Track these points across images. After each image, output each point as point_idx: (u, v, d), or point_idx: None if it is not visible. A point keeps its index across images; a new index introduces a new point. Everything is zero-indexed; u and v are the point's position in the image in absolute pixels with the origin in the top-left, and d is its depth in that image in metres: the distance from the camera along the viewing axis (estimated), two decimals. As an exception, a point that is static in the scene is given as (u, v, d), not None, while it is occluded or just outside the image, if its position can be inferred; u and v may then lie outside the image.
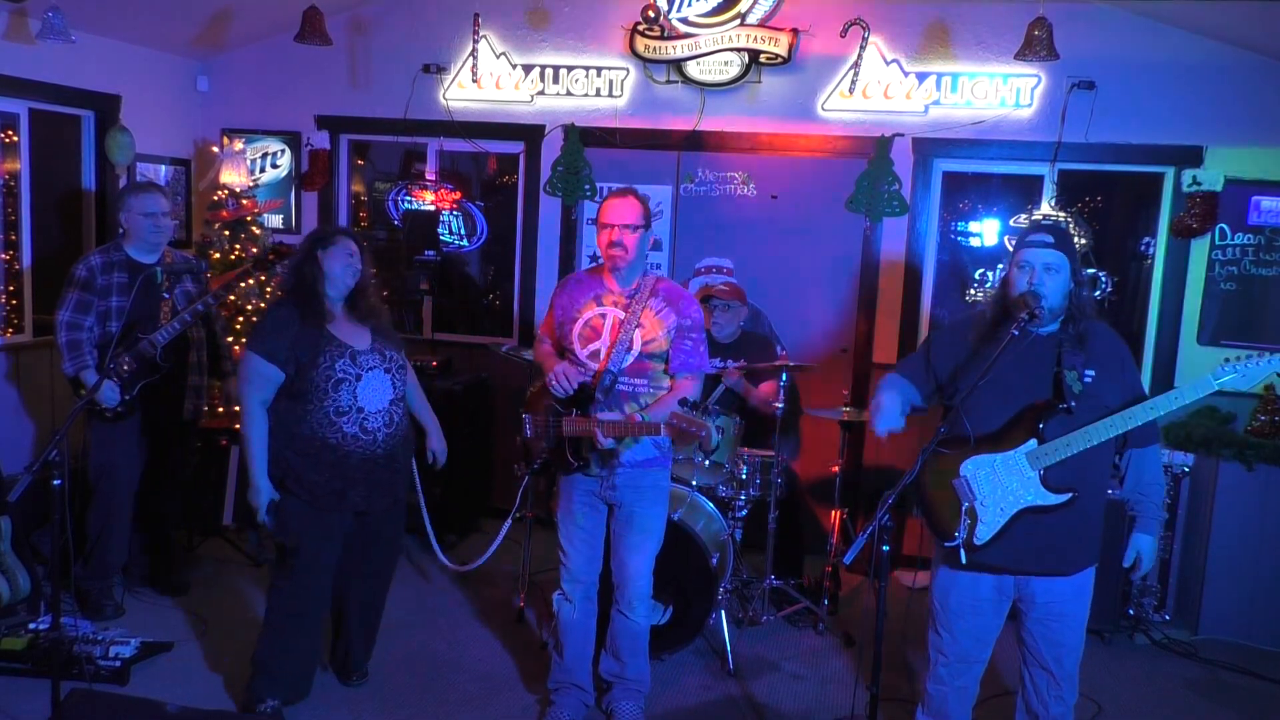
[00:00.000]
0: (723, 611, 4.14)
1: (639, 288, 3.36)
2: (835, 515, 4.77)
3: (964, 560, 2.84)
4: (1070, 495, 2.74)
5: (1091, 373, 2.78)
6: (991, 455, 2.80)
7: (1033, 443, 2.75)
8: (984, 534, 2.80)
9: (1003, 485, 2.79)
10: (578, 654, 3.57)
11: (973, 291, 5.26)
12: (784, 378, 4.41)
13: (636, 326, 3.31)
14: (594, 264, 3.55)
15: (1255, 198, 4.96)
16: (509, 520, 4.43)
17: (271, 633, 3.46)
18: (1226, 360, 2.63)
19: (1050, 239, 2.81)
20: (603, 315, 3.35)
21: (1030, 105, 5.13)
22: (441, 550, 4.20)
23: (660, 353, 3.35)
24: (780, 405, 4.37)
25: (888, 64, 5.23)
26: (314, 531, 3.38)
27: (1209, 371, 2.66)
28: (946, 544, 2.86)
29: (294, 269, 3.44)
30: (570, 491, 3.46)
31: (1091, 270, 4.83)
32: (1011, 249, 5.04)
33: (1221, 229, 5.01)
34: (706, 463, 4.27)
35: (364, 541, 3.58)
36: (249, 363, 3.32)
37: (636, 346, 3.31)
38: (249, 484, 3.36)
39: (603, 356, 3.32)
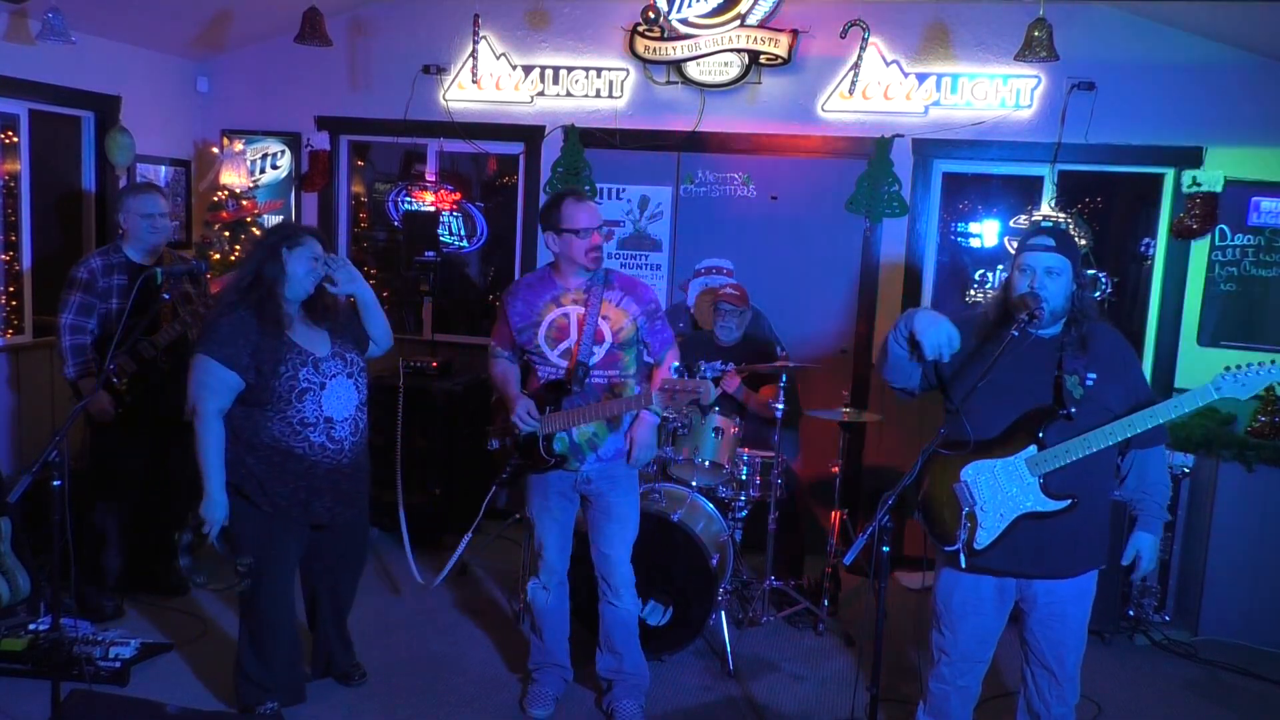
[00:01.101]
0: (723, 612, 4.14)
1: (592, 281, 3.40)
2: (835, 516, 4.77)
3: (964, 565, 2.85)
4: (1070, 502, 2.74)
5: (1094, 376, 2.77)
6: (992, 460, 2.80)
7: (1033, 448, 2.75)
8: (984, 539, 2.81)
9: (1003, 490, 2.79)
10: (556, 636, 3.67)
11: (973, 293, 5.26)
12: (784, 379, 4.42)
13: (601, 317, 3.36)
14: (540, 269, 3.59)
15: (1255, 198, 4.96)
16: (468, 535, 4.43)
17: (248, 644, 3.42)
18: (1227, 368, 2.62)
19: (1052, 242, 2.81)
20: (565, 314, 3.39)
21: (1030, 106, 5.14)
22: (430, 554, 4.18)
23: (629, 340, 3.41)
24: (780, 406, 4.38)
25: (888, 65, 5.23)
26: (274, 542, 3.28)
27: (1209, 376, 2.65)
28: (946, 548, 2.86)
29: (254, 265, 3.24)
30: (545, 489, 3.50)
31: (1091, 271, 4.83)
32: (1013, 251, 5.05)
33: (1221, 230, 5.01)
34: (706, 463, 4.27)
35: (333, 548, 3.55)
36: (206, 368, 3.12)
37: (608, 338, 3.37)
38: (204, 496, 3.15)
39: (573, 352, 3.37)
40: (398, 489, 4.86)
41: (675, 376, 3.14)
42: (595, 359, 3.37)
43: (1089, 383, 2.76)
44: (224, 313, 3.21)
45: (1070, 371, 2.76)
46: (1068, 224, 4.97)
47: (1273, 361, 2.56)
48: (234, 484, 3.20)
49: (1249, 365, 2.59)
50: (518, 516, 4.82)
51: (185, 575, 3.29)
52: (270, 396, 3.16)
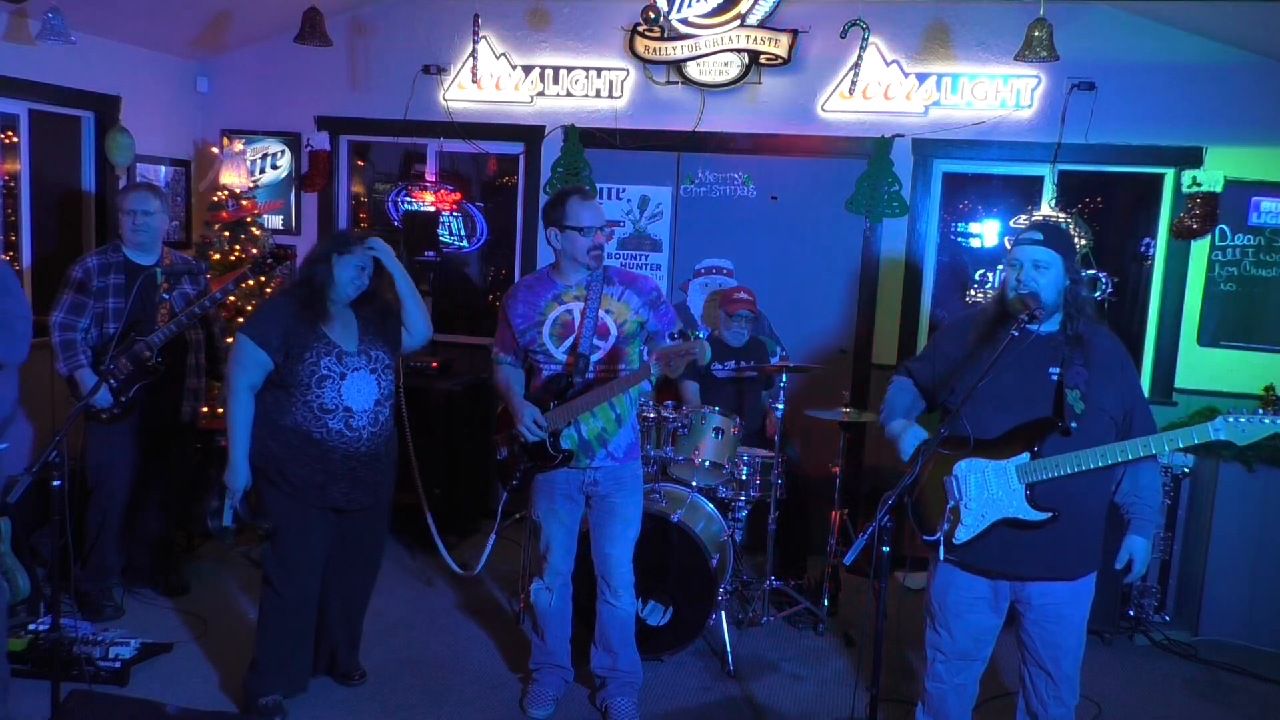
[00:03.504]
0: (723, 612, 4.14)
1: (592, 278, 3.40)
2: (835, 516, 4.77)
3: (941, 556, 2.86)
4: (1050, 515, 2.74)
5: (1083, 374, 2.76)
6: (985, 460, 2.80)
7: (1025, 456, 2.75)
8: (962, 535, 2.82)
9: (989, 491, 2.79)
10: (558, 637, 3.68)
11: (973, 292, 5.26)
12: (784, 378, 4.43)
13: (604, 311, 3.37)
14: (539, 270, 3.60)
15: (1255, 198, 4.96)
16: (494, 533, 4.48)
17: (264, 630, 3.48)
18: (1229, 413, 2.61)
19: (1039, 236, 2.81)
20: (569, 311, 3.39)
21: (1030, 106, 5.14)
22: (431, 553, 4.22)
23: (632, 334, 3.42)
24: (780, 406, 4.39)
25: (888, 65, 5.23)
26: (296, 523, 3.40)
27: (1209, 376, 2.65)
28: (926, 538, 2.88)
29: (307, 264, 3.45)
30: (552, 491, 3.50)
31: (1091, 271, 4.83)
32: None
33: (1222, 230, 5.01)
34: (707, 464, 4.27)
35: (348, 540, 3.59)
36: (240, 345, 3.34)
37: (613, 332, 3.38)
38: (228, 465, 3.36)
39: (575, 345, 3.38)
40: (417, 486, 4.88)
41: (670, 343, 3.18)
42: (600, 354, 3.38)
43: (1082, 385, 2.75)
44: (271, 299, 3.51)
45: (1071, 385, 2.75)
46: (1067, 224, 4.97)
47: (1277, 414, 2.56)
48: (259, 466, 3.38)
49: (1255, 414, 2.58)
50: (518, 516, 4.82)
51: (216, 536, 3.49)
52: (294, 380, 3.33)
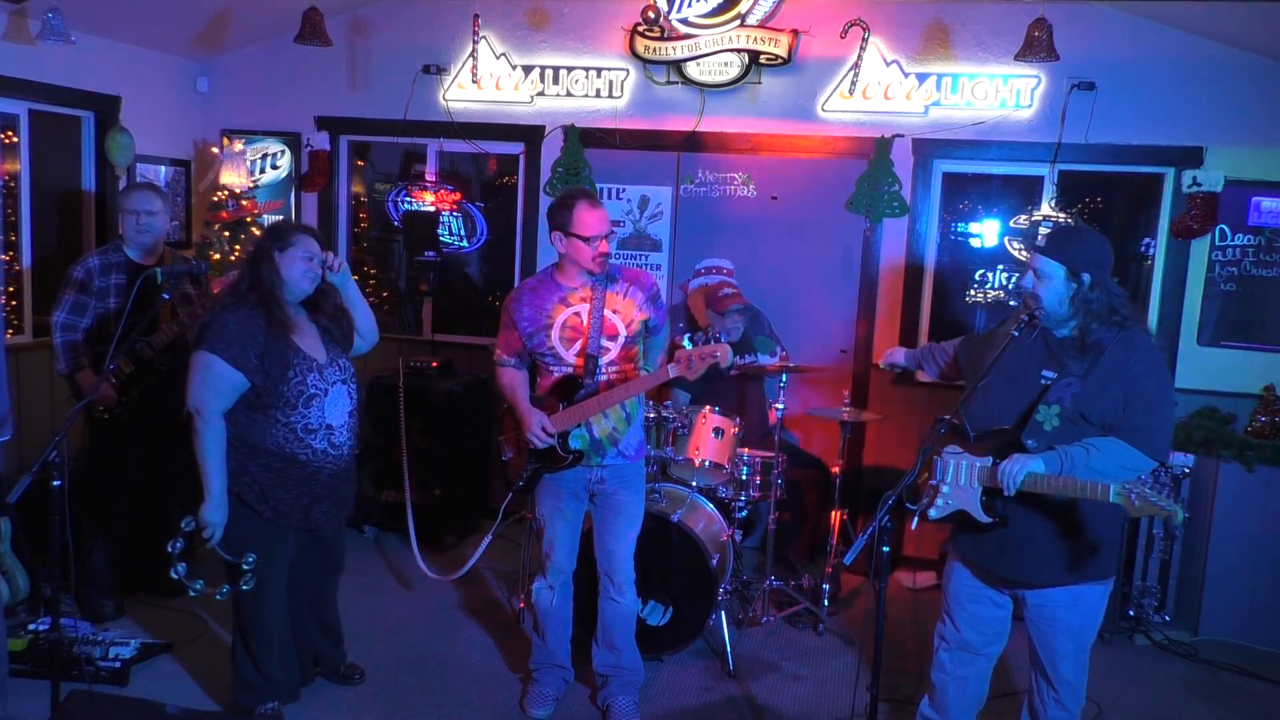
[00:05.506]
0: (723, 612, 4.14)
1: (595, 278, 3.40)
2: (835, 516, 4.77)
3: (914, 527, 2.92)
4: (994, 521, 2.75)
5: (1075, 387, 2.72)
6: (964, 453, 2.83)
7: (989, 460, 2.76)
8: (933, 514, 2.87)
9: (959, 483, 2.83)
10: (559, 636, 3.68)
11: (973, 292, 5.26)
12: (783, 378, 4.43)
13: (612, 311, 3.37)
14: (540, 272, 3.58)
15: (1255, 198, 4.96)
16: (488, 537, 4.49)
17: (244, 651, 3.40)
18: (1139, 480, 2.58)
19: (1041, 244, 2.82)
20: (577, 313, 3.39)
21: (1030, 106, 5.13)
22: (430, 553, 4.21)
23: (640, 332, 3.43)
24: (781, 406, 4.39)
25: (888, 65, 5.23)
26: (271, 549, 3.26)
27: (1209, 376, 2.62)
28: (908, 505, 2.91)
29: (251, 268, 3.21)
30: (559, 491, 3.50)
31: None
32: (1013, 251, 5.04)
33: (1222, 230, 5.01)
34: (707, 464, 4.27)
35: (315, 549, 3.51)
36: (212, 368, 3.05)
37: (621, 331, 3.38)
38: (206, 498, 3.11)
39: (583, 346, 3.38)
40: (405, 488, 4.87)
41: (690, 348, 3.18)
42: (611, 355, 3.37)
43: (1066, 400, 2.72)
44: (227, 310, 3.15)
45: (1054, 400, 2.73)
46: (1068, 224, 4.97)
47: (1166, 499, 2.53)
48: (236, 493, 3.18)
49: (1151, 491, 2.52)
50: (517, 517, 4.82)
51: (181, 584, 3.18)
52: (278, 400, 3.14)
